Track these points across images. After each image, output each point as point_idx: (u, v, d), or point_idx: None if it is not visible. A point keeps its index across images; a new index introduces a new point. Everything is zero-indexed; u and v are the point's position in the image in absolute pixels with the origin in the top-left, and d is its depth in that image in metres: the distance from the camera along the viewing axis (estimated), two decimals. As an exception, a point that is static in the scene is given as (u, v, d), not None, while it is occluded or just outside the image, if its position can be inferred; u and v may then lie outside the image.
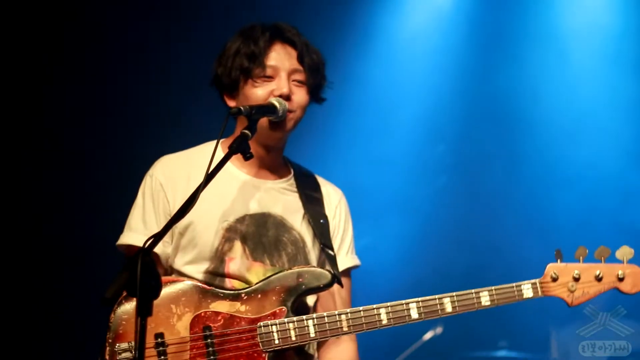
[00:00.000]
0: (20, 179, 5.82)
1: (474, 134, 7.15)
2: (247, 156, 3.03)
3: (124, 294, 2.96)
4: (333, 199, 3.51)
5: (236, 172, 3.33)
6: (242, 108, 3.06)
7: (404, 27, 7.21)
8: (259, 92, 3.23)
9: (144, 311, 2.55)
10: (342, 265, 3.46)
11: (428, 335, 6.73)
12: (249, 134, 3.02)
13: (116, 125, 6.00)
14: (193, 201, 2.77)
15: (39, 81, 5.87)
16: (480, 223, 7.06)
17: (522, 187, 7.05)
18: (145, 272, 2.54)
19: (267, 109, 3.16)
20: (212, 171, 2.87)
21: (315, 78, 3.34)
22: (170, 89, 6.23)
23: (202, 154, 3.32)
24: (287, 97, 3.24)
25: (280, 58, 3.27)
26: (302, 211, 3.36)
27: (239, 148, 3.00)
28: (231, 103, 3.33)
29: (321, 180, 3.54)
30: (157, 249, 3.22)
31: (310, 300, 3.38)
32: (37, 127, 5.88)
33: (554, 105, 7.03)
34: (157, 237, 2.71)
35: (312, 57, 3.33)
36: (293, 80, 3.28)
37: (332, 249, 3.37)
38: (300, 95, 3.29)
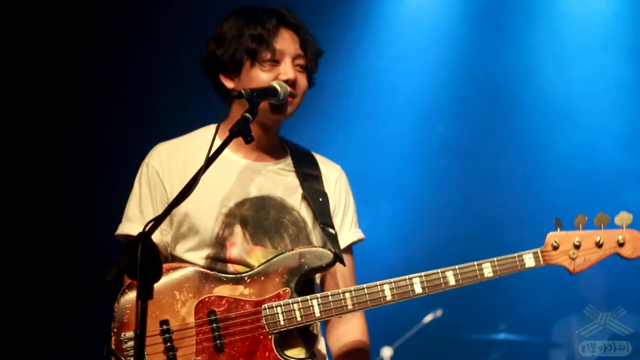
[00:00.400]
0: (17, 173, 5.86)
1: (472, 117, 7.17)
2: (248, 139, 3.02)
3: (128, 282, 2.99)
4: (332, 175, 3.50)
5: (233, 156, 3.31)
6: (243, 91, 3.04)
7: (400, 10, 7.23)
8: (264, 76, 3.22)
9: (144, 294, 2.56)
10: (347, 240, 3.47)
11: (428, 319, 6.75)
12: (250, 117, 3.01)
13: (111, 117, 6.03)
14: (193, 185, 2.78)
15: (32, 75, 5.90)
16: (479, 205, 7.08)
17: (520, 168, 7.07)
18: (145, 255, 2.55)
19: (268, 92, 3.16)
20: (212, 155, 2.87)
21: (315, 64, 3.37)
22: (164, 75, 6.20)
23: (198, 140, 3.32)
24: (292, 83, 3.23)
25: (286, 43, 3.26)
26: (300, 191, 3.35)
27: (240, 131, 2.99)
28: (229, 84, 3.31)
29: (319, 158, 3.53)
30: (155, 238, 3.14)
31: (316, 279, 3.37)
32: (34, 121, 5.90)
33: (550, 87, 7.09)
34: (158, 221, 2.72)
35: (313, 44, 3.35)
36: (296, 66, 3.28)
37: (333, 227, 3.36)
38: (302, 81, 3.30)
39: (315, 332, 3.34)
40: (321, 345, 3.39)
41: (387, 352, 6.44)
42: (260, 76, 3.22)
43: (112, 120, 6.07)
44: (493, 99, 7.17)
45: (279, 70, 3.22)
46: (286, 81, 3.21)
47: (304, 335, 3.22)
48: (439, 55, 7.16)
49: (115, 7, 6.10)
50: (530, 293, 6.73)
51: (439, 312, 6.76)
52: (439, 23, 7.22)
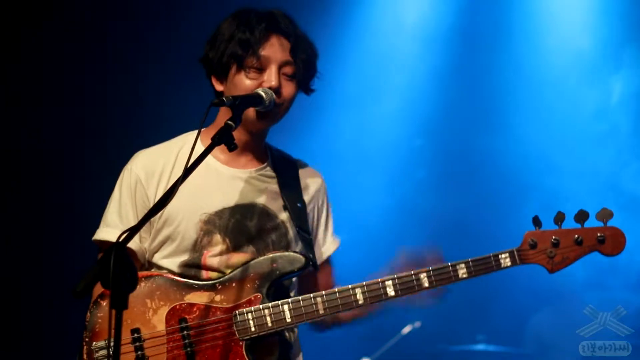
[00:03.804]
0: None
1: (453, 129, 7.19)
2: (231, 147, 2.98)
3: (101, 291, 3.02)
4: (312, 184, 3.47)
5: (214, 162, 3.28)
6: (225, 99, 3.01)
7: (383, 19, 7.23)
8: (247, 83, 3.18)
9: (118, 304, 2.54)
10: (329, 251, 3.49)
11: (406, 330, 6.73)
12: (233, 125, 2.96)
13: (94, 120, 5.97)
14: (171, 195, 2.74)
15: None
16: (460, 216, 7.09)
17: (499, 180, 7.10)
18: (119, 265, 2.53)
19: (252, 99, 3.12)
20: (191, 165, 2.83)
21: (306, 72, 3.30)
22: (150, 79, 6.18)
23: (182, 146, 3.30)
24: (276, 90, 3.19)
25: (274, 50, 3.21)
26: (281, 197, 3.33)
27: (222, 140, 2.95)
28: (219, 87, 3.29)
29: (301, 164, 3.50)
30: (134, 245, 3.20)
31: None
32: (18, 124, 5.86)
33: (531, 99, 7.09)
34: (133, 231, 2.69)
35: (306, 50, 3.29)
36: (283, 74, 3.23)
37: (308, 232, 3.34)
38: (288, 89, 3.24)
39: (290, 338, 3.31)
40: (296, 351, 3.37)
41: (365, 363, 6.45)
42: (244, 82, 3.19)
43: (95, 122, 6.01)
44: (474, 111, 7.20)
45: (264, 77, 3.19)
46: (269, 88, 3.17)
47: (278, 341, 3.19)
48: (422, 67, 7.20)
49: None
50: (508, 304, 6.74)
51: (417, 324, 6.75)
52: (422, 34, 7.25)
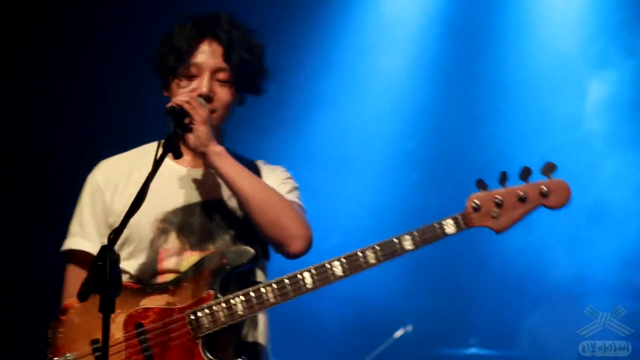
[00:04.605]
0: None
1: (445, 130, 7.16)
2: (177, 155, 3.06)
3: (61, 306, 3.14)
4: (269, 174, 3.43)
5: (171, 164, 3.28)
6: (167, 109, 3.09)
7: (374, 19, 7.21)
8: (180, 91, 3.21)
9: (107, 307, 2.62)
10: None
11: (398, 334, 6.71)
12: (180, 132, 3.07)
13: (95, 121, 6.02)
14: (144, 194, 2.84)
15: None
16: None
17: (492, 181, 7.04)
18: (113, 268, 2.63)
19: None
20: (152, 169, 2.91)
21: (243, 74, 3.28)
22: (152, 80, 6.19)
23: (142, 154, 3.35)
24: (207, 97, 3.20)
25: (205, 56, 3.22)
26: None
27: (169, 148, 3.02)
28: (165, 92, 3.33)
29: (260, 163, 3.48)
30: (95, 251, 3.18)
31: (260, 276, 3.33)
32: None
33: (525, 102, 7.05)
34: (117, 232, 2.75)
35: (241, 53, 3.27)
36: (217, 79, 3.23)
37: None
38: (223, 94, 3.24)
39: (254, 334, 3.29)
40: (260, 343, 3.33)
41: (358, 367, 6.44)
42: (177, 91, 3.22)
43: (95, 123, 6.05)
44: (467, 113, 7.16)
45: (195, 85, 3.21)
46: (200, 95, 3.18)
47: (235, 336, 3.18)
48: (415, 67, 7.18)
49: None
50: (501, 306, 6.70)
51: (409, 327, 6.72)
52: (413, 35, 7.22)
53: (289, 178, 3.45)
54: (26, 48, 5.95)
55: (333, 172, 6.99)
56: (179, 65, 3.20)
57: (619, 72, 6.83)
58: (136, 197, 2.84)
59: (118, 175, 3.30)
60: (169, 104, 3.12)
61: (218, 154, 3.17)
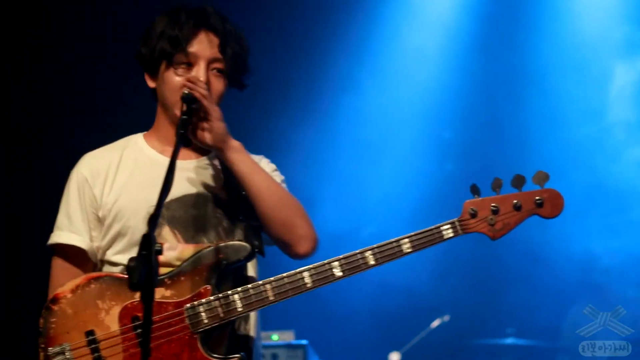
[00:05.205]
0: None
1: (481, 121, 7.13)
2: (187, 143, 3.08)
3: (51, 296, 3.13)
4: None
5: (157, 156, 3.31)
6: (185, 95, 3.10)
7: (408, 8, 7.22)
8: (176, 79, 3.21)
9: (149, 298, 2.58)
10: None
11: (435, 324, 6.72)
12: (191, 120, 3.09)
13: (95, 121, 6.01)
14: (170, 180, 2.82)
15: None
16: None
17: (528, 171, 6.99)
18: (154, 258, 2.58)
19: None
20: (172, 156, 2.90)
21: (236, 67, 3.31)
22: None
23: (126, 145, 3.36)
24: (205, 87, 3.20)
25: (202, 46, 3.24)
26: (226, 185, 3.32)
27: (184, 136, 3.03)
28: (151, 84, 3.33)
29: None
30: (84, 245, 3.25)
31: (252, 270, 3.33)
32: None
33: (559, 92, 6.99)
34: (155, 218, 2.68)
35: (234, 46, 3.29)
36: (212, 69, 3.26)
37: (256, 219, 3.28)
38: (217, 85, 3.25)
39: (245, 327, 3.29)
40: (252, 336, 3.32)
41: (395, 357, 6.44)
42: (173, 79, 3.21)
43: (96, 123, 6.01)
44: (501, 104, 7.13)
45: (192, 73, 3.21)
46: None
47: (233, 331, 3.20)
48: (446, 57, 7.17)
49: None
50: (538, 296, 6.67)
51: (446, 317, 6.73)
52: (447, 26, 7.24)
53: (276, 170, 3.44)
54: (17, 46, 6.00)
55: (370, 163, 7.05)
56: (175, 52, 3.21)
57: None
58: (163, 184, 2.82)
59: (105, 168, 3.29)
60: (187, 91, 3.12)
61: (237, 149, 3.19)
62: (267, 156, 3.51)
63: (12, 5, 5.97)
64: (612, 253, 6.58)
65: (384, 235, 3.21)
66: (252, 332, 3.32)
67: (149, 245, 2.56)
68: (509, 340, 6.59)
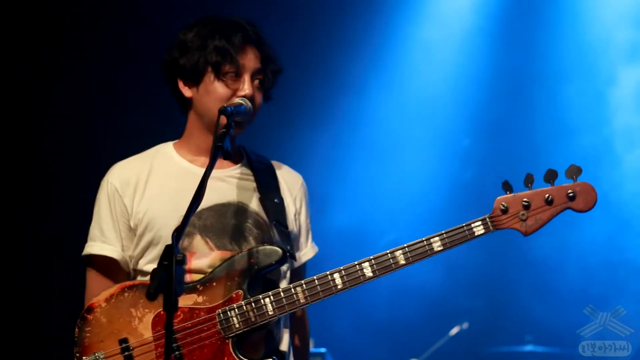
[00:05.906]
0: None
1: (499, 128, 7.14)
2: (226, 156, 3.09)
3: (86, 306, 3.18)
4: (290, 182, 3.49)
5: (189, 165, 3.35)
6: (225, 108, 3.13)
7: (428, 14, 7.23)
8: (222, 90, 3.25)
9: (171, 306, 2.65)
10: (307, 256, 3.51)
11: (454, 331, 6.73)
12: (230, 132, 3.11)
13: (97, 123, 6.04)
14: (202, 191, 2.88)
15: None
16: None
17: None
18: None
19: (241, 109, 3.21)
20: (207, 168, 2.94)
21: (274, 82, 3.39)
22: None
23: (156, 154, 3.40)
24: (250, 99, 3.26)
25: (248, 58, 3.29)
26: (258, 193, 3.36)
27: (224, 146, 3.06)
28: (187, 92, 3.35)
29: (277, 164, 3.53)
30: (116, 255, 3.29)
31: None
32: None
33: (581, 98, 6.98)
34: (180, 231, 2.76)
35: (275, 61, 3.37)
36: (254, 81, 3.30)
37: (286, 227, 3.35)
38: (258, 97, 3.32)
39: (276, 331, 3.32)
40: (284, 345, 3.36)
41: (414, 364, 6.48)
42: (219, 89, 3.25)
43: (99, 125, 6.07)
44: (519, 111, 7.13)
45: (238, 85, 3.26)
46: (244, 96, 3.24)
47: (265, 336, 3.22)
48: (468, 67, 7.18)
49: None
50: (556, 303, 6.66)
51: (465, 325, 6.74)
52: (468, 32, 7.23)
53: (308, 208, 3.54)
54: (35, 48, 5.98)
55: (390, 170, 7.06)
56: (224, 63, 3.24)
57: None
58: (194, 195, 2.87)
59: (135, 177, 3.32)
60: (234, 104, 3.18)
61: None
62: (286, 160, 3.59)
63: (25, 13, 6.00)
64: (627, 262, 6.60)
65: (401, 240, 3.21)
66: (286, 338, 3.36)
67: (170, 255, 2.63)
68: (528, 348, 6.58)
